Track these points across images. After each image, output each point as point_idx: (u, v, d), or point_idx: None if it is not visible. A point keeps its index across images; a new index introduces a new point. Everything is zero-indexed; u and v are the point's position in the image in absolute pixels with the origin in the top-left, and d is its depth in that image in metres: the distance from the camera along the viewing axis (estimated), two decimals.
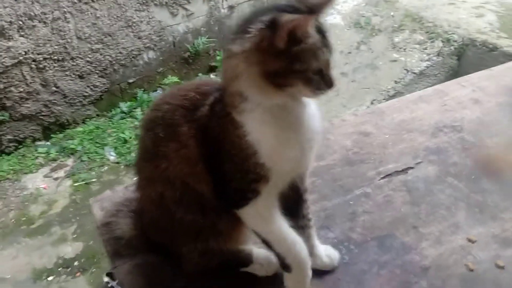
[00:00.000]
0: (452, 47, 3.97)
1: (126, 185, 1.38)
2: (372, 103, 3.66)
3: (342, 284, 1.10)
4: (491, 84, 1.77)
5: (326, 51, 0.85)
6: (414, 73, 3.85)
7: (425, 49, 4.01)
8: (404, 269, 1.13)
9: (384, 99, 3.71)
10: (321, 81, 0.86)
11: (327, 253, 1.13)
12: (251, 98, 0.88)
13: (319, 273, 1.11)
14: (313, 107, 0.95)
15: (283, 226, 1.00)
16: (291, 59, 0.82)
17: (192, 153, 0.95)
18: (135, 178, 1.13)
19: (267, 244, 1.03)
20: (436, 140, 1.52)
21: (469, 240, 1.20)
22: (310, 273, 1.05)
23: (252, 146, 0.90)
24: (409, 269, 1.13)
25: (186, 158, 0.96)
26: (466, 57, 3.96)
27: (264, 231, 1.01)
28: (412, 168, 1.42)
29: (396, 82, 3.82)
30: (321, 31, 0.85)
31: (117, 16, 3.56)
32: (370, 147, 1.51)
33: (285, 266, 1.04)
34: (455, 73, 3.99)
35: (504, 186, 1.35)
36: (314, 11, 0.82)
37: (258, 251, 1.12)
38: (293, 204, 1.05)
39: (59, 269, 2.61)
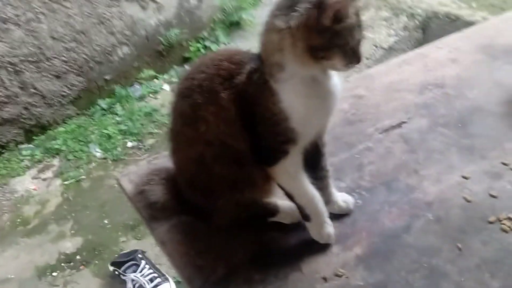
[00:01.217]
0: (416, 21, 4.15)
1: (149, 159, 1.48)
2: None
3: (359, 222, 1.24)
4: (465, 44, 1.93)
5: (360, 30, 1.00)
6: (384, 48, 4.01)
7: (392, 24, 4.18)
8: (411, 205, 1.28)
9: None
10: (353, 56, 1.00)
11: (343, 199, 1.27)
12: (288, 69, 1.00)
13: (339, 216, 1.25)
14: (336, 78, 1.09)
15: (305, 182, 1.14)
16: (333, 35, 0.95)
17: (231, 115, 1.07)
18: (169, 144, 1.23)
19: (290, 197, 1.17)
20: (423, 96, 1.67)
21: (464, 177, 1.35)
22: (327, 221, 1.19)
23: (285, 112, 1.03)
24: (415, 205, 1.28)
25: (226, 120, 1.07)
26: (430, 29, 4.15)
27: (290, 187, 1.15)
28: (405, 122, 1.56)
29: (367, 58, 3.97)
30: (357, 13, 0.99)
31: (89, 13, 3.58)
32: (365, 107, 1.64)
33: (304, 216, 1.18)
34: (421, 46, 4.17)
35: (489, 130, 1.51)
36: None
37: (282, 202, 1.24)
38: (312, 158, 1.18)
39: (62, 265, 2.66)
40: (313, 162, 1.18)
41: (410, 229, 1.21)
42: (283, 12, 0.98)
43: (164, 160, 1.45)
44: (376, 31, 4.20)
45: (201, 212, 1.24)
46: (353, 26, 0.97)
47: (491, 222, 1.21)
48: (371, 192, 1.32)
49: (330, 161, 1.36)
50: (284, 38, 0.98)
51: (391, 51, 4.09)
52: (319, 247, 1.18)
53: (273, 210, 1.24)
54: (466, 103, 1.62)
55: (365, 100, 1.68)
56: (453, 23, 3.95)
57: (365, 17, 4.33)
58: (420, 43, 4.19)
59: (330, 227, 1.19)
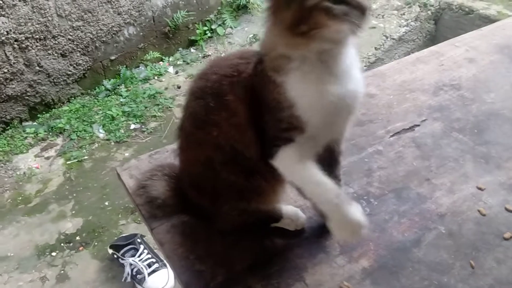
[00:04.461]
0: (429, 12, 4.07)
1: (150, 153, 1.43)
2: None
3: (367, 232, 1.18)
4: (482, 43, 1.87)
5: None
6: (394, 39, 3.94)
7: (403, 14, 4.09)
8: (422, 216, 1.22)
9: (365, 66, 3.80)
10: (348, 7, 0.84)
11: None
12: (294, 56, 0.92)
13: None
14: (356, 72, 0.99)
15: (315, 174, 1.01)
16: None
17: (241, 120, 1.01)
18: (177, 141, 1.18)
19: (302, 193, 1.10)
20: (437, 98, 1.61)
21: (479, 188, 1.29)
22: (351, 217, 0.99)
23: (290, 100, 0.95)
24: (427, 216, 1.22)
25: (237, 126, 1.02)
26: (443, 21, 4.07)
27: (294, 175, 1.04)
28: (418, 125, 1.51)
29: (376, 48, 3.90)
30: None
31: None
32: (376, 107, 1.59)
33: (323, 214, 1.08)
34: (432, 38, 4.10)
35: (505, 138, 1.45)
36: None
37: (286, 207, 1.19)
38: (327, 165, 1.10)
39: (61, 245, 2.66)
40: (328, 170, 1.09)
41: (420, 242, 1.15)
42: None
43: (166, 155, 1.40)
44: (386, 20, 4.12)
45: (203, 213, 1.19)
46: None
47: (506, 239, 1.15)
48: (379, 200, 1.27)
49: None
50: (271, 34, 0.93)
51: (401, 42, 4.02)
52: (323, 257, 1.13)
53: (277, 216, 1.19)
54: (483, 107, 1.57)
55: (376, 99, 1.62)
56: (467, 16, 3.87)
57: (375, 5, 4.28)
58: (432, 35, 4.12)
59: (357, 213, 1.00)
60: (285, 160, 1.02)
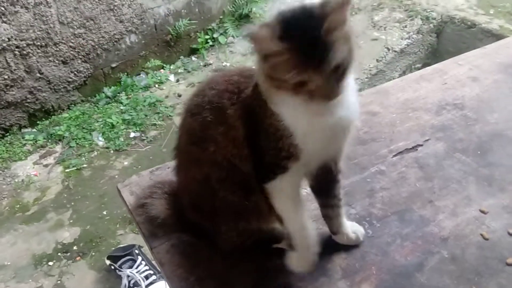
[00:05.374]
0: (431, 25, 4.07)
1: (151, 170, 1.42)
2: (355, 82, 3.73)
3: (369, 255, 1.17)
4: (486, 62, 1.86)
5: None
6: (395, 51, 3.94)
7: (405, 27, 4.10)
8: (425, 240, 1.21)
9: (366, 78, 3.80)
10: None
11: (353, 229, 1.20)
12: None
13: (347, 248, 1.18)
14: (351, 95, 0.98)
15: (299, 209, 1.07)
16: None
17: (239, 134, 1.01)
18: (175, 161, 1.18)
19: (280, 221, 1.09)
20: (440, 117, 1.61)
21: (482, 212, 1.28)
22: (312, 257, 1.11)
23: (288, 129, 0.95)
24: (429, 240, 1.21)
25: (234, 140, 1.01)
26: (445, 34, 4.07)
27: (282, 208, 1.06)
28: (421, 145, 1.50)
29: (378, 60, 3.90)
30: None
31: (99, 0, 3.53)
32: (379, 126, 1.58)
33: (291, 245, 1.10)
34: (434, 51, 4.10)
35: (509, 160, 1.44)
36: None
37: None
38: (326, 184, 1.11)
39: (58, 254, 2.64)
40: (326, 189, 1.12)
41: (423, 267, 1.14)
42: None
43: (167, 171, 1.39)
44: (388, 32, 4.12)
45: (203, 233, 1.18)
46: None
47: (509, 264, 1.14)
48: (382, 222, 1.26)
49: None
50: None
51: (402, 54, 4.02)
52: (325, 281, 1.12)
53: (279, 236, 1.17)
54: (486, 128, 1.56)
55: (379, 117, 1.61)
56: (469, 30, 3.87)
57: (378, 17, 4.28)
58: (433, 48, 4.12)
59: (314, 256, 1.11)
60: (278, 190, 1.04)
